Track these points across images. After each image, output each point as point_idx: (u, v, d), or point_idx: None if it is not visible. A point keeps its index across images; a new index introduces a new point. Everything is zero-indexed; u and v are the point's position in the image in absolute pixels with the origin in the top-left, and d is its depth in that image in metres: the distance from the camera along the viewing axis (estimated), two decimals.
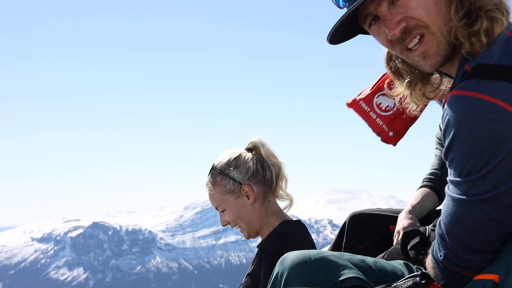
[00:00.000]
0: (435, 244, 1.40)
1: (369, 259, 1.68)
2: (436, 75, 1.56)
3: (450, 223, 1.30)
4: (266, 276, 2.13)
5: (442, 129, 1.30)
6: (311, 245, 2.28)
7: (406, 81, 1.54)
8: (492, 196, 1.21)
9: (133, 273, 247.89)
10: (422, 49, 1.36)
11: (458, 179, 1.25)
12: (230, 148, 2.45)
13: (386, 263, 1.72)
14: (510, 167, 1.19)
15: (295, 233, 2.27)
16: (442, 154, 1.31)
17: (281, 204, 2.44)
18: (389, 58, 1.58)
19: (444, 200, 1.34)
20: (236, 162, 2.35)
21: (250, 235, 2.40)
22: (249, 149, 2.41)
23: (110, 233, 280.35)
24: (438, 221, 1.37)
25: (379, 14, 1.37)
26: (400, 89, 1.58)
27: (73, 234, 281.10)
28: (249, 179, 2.32)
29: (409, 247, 1.83)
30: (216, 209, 2.38)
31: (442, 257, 1.35)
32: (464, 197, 1.25)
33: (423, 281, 1.36)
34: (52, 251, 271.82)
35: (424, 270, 1.51)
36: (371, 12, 1.38)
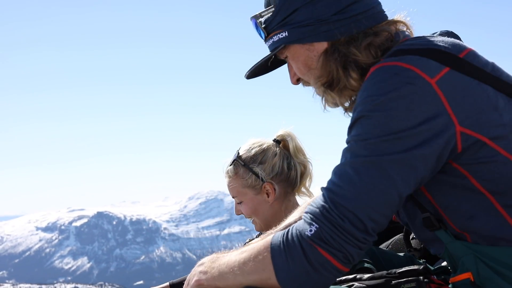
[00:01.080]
0: (297, 224, 1.24)
1: (374, 248, 1.68)
2: None
3: (345, 187, 1.19)
4: None
5: (355, 105, 1.28)
6: None
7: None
8: (401, 158, 1.18)
9: (137, 262, 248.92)
10: (323, 99, 1.45)
11: (366, 139, 1.20)
12: (257, 136, 2.34)
13: (391, 254, 1.71)
14: (424, 133, 1.19)
15: None
16: (351, 120, 1.27)
17: (300, 200, 2.35)
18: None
19: (337, 166, 1.25)
20: (262, 156, 2.26)
21: (261, 229, 2.34)
22: (277, 141, 2.32)
23: (114, 222, 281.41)
24: (321, 193, 1.25)
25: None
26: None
27: (78, 223, 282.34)
28: (273, 177, 2.25)
29: (411, 236, 1.80)
30: (233, 198, 2.34)
31: (311, 232, 1.18)
32: (370, 157, 1.19)
33: (426, 280, 1.32)
34: (56, 240, 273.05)
35: (427, 265, 1.44)
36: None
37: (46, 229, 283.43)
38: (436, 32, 3.16)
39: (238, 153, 2.30)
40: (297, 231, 1.21)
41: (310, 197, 2.34)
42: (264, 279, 1.23)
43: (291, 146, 2.30)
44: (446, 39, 1.31)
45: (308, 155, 2.34)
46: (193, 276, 1.38)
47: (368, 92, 1.23)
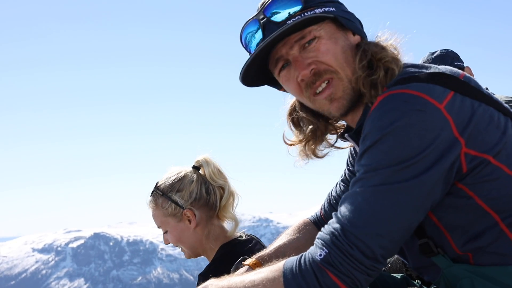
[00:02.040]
0: (310, 249, 1.28)
1: None
2: (332, 136, 1.61)
3: (355, 215, 1.21)
4: None
5: (363, 134, 1.28)
6: None
7: (307, 130, 1.56)
8: (411, 185, 1.18)
9: (134, 284, 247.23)
10: (329, 91, 1.40)
11: (377, 169, 1.21)
12: (178, 165, 2.37)
13: (387, 276, 1.69)
14: (432, 158, 1.18)
15: (233, 256, 2.07)
16: (360, 150, 1.27)
17: (229, 225, 2.36)
18: (293, 110, 1.61)
19: (348, 194, 1.26)
20: (180, 184, 2.28)
21: (191, 257, 2.37)
22: (195, 167, 2.34)
23: (111, 243, 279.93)
24: (332, 220, 1.28)
25: (290, 58, 1.42)
26: (297, 138, 1.59)
27: (74, 244, 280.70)
28: (192, 203, 2.26)
29: None
30: (158, 228, 2.35)
31: (321, 257, 1.22)
32: (380, 186, 1.19)
33: None
34: (53, 262, 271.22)
35: (423, 286, 1.45)
36: (283, 55, 1.43)
37: (43, 250, 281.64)
38: (436, 52, 3.31)
39: (157, 184, 2.31)
40: (309, 255, 1.25)
41: (235, 221, 2.32)
42: None
43: (206, 172, 2.31)
44: (439, 66, 1.33)
45: (227, 177, 2.35)
46: None
47: (378, 121, 1.22)
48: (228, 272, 1.81)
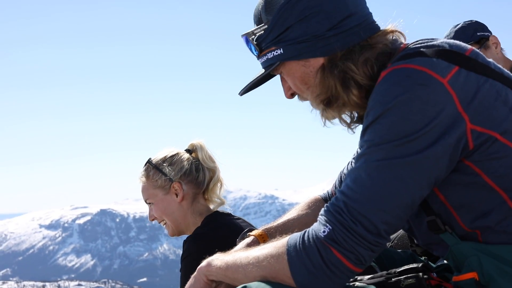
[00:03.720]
0: (313, 225, 1.27)
1: None
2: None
3: (358, 191, 1.21)
4: (182, 282, 2.15)
5: (366, 110, 1.27)
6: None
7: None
8: (414, 160, 1.18)
9: (141, 260, 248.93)
10: (319, 112, 1.43)
11: (379, 144, 1.20)
12: (172, 147, 2.49)
13: (393, 251, 1.73)
14: (435, 133, 1.18)
15: (217, 233, 2.22)
16: (363, 126, 1.27)
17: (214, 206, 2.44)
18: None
19: (351, 170, 1.26)
20: (172, 159, 2.40)
21: (174, 233, 2.43)
22: (188, 150, 2.46)
23: (117, 220, 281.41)
24: (335, 196, 1.27)
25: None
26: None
27: (81, 221, 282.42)
28: (181, 177, 2.36)
29: None
30: (145, 202, 2.43)
31: (324, 233, 1.21)
32: (383, 161, 1.19)
33: (425, 276, 1.32)
34: (60, 238, 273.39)
35: (428, 262, 1.44)
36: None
37: (50, 226, 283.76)
38: (458, 24, 3.25)
39: (150, 158, 2.44)
40: (313, 231, 1.23)
41: (224, 203, 2.44)
42: (275, 276, 1.25)
43: (200, 154, 2.42)
44: (447, 40, 1.31)
45: (218, 163, 2.46)
46: (203, 264, 1.41)
47: (380, 96, 1.22)
48: (212, 238, 1.96)
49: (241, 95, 1.56)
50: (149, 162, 2.42)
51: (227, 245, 1.69)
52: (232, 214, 2.44)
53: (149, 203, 2.42)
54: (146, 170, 2.41)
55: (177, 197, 2.36)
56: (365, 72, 1.32)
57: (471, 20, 3.25)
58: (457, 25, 3.25)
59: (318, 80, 1.38)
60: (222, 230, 2.24)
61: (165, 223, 2.42)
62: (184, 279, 2.08)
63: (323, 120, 1.42)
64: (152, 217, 2.43)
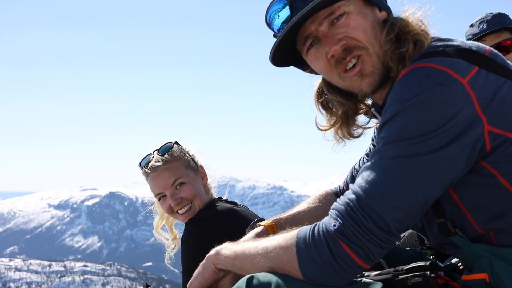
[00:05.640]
0: (324, 219, 1.26)
1: None
2: (362, 117, 1.58)
3: (372, 187, 1.19)
4: (183, 264, 2.14)
5: (385, 107, 1.27)
6: (236, 232, 1.82)
7: (338, 112, 1.54)
8: (429, 159, 1.17)
9: (147, 244, 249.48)
10: (358, 68, 1.38)
11: (396, 141, 1.20)
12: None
13: (401, 249, 1.71)
14: (452, 133, 1.17)
15: (220, 218, 2.21)
16: (380, 123, 1.27)
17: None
18: (320, 93, 1.59)
19: (365, 166, 1.25)
20: (190, 151, 2.46)
21: (191, 217, 2.32)
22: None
23: (126, 203, 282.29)
24: (347, 191, 1.26)
25: (320, 34, 1.40)
26: (329, 122, 1.58)
27: (90, 202, 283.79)
28: (201, 166, 2.45)
29: None
30: (174, 183, 2.31)
31: (335, 227, 1.20)
32: (398, 158, 1.18)
33: (433, 275, 1.29)
34: (68, 218, 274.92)
35: (436, 261, 1.44)
36: (312, 32, 1.41)
37: (58, 206, 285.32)
38: (493, 12, 3.13)
39: (176, 141, 2.45)
40: (323, 225, 1.23)
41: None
42: (283, 267, 1.25)
43: (191, 151, 2.47)
44: (467, 41, 1.30)
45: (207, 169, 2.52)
46: (211, 253, 1.41)
47: (399, 94, 1.21)
48: (214, 223, 2.02)
49: (274, 57, 1.48)
50: (176, 143, 2.42)
51: (228, 232, 1.69)
52: (237, 203, 2.43)
53: (180, 183, 2.32)
54: (178, 150, 2.38)
55: (203, 180, 2.40)
56: (413, 50, 1.32)
57: (498, 12, 3.21)
58: (492, 12, 3.18)
59: (385, 31, 1.37)
60: (225, 216, 2.21)
61: (189, 207, 2.33)
62: (185, 261, 2.06)
63: (371, 80, 1.39)
64: (177, 201, 2.31)
